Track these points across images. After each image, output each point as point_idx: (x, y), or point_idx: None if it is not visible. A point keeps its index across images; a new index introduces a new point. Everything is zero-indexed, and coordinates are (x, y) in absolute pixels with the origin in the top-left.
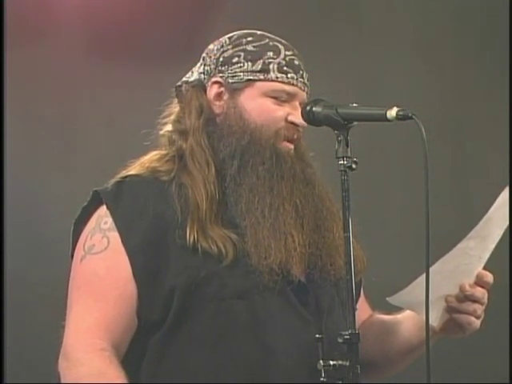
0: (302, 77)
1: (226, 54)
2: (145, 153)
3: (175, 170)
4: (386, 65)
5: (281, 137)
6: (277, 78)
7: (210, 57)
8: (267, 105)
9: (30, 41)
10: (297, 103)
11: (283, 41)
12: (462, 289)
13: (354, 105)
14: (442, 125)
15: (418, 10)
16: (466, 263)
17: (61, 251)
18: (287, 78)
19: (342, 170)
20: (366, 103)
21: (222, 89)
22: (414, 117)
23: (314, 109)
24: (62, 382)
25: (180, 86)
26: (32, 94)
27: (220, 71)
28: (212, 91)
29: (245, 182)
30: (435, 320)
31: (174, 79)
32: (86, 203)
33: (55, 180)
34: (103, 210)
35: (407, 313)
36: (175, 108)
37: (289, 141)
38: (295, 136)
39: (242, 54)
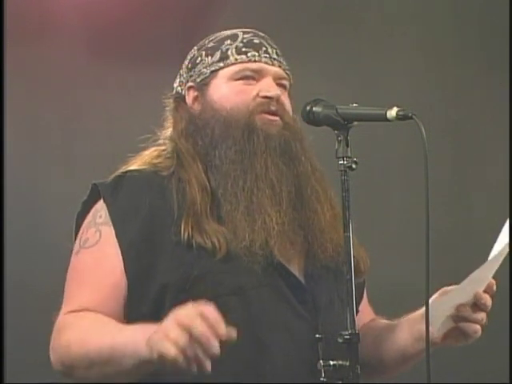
0: (267, 52)
1: (192, 59)
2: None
3: (174, 166)
4: (385, 65)
5: (254, 112)
6: (236, 60)
7: (183, 68)
8: (235, 88)
9: (30, 41)
10: (269, 79)
11: (250, 29)
12: (478, 297)
13: (354, 105)
14: (442, 125)
15: (418, 10)
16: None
17: (60, 251)
18: (247, 57)
19: (341, 170)
20: (366, 103)
21: (197, 92)
22: (414, 117)
23: (314, 109)
24: (53, 358)
25: (170, 97)
26: (32, 94)
27: (190, 76)
28: (190, 97)
29: (221, 170)
30: (438, 331)
31: (174, 79)
32: (85, 197)
33: (55, 180)
34: (100, 203)
35: (406, 320)
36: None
37: (267, 113)
38: (273, 108)
39: (204, 52)
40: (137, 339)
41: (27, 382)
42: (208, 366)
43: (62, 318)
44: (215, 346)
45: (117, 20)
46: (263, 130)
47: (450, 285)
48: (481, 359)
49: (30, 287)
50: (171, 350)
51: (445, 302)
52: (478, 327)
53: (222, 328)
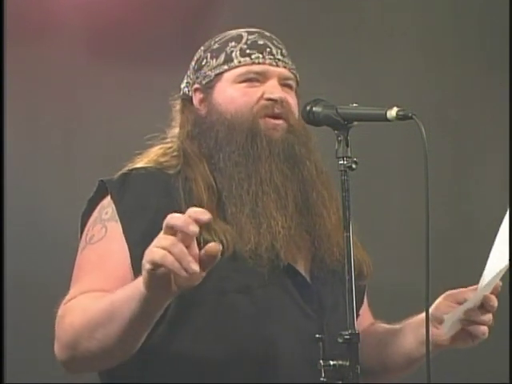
0: (272, 53)
1: (198, 61)
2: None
3: (181, 164)
4: (385, 65)
5: (258, 115)
6: (240, 62)
7: (190, 69)
8: (239, 91)
9: (30, 40)
10: (274, 81)
11: (254, 29)
12: (487, 300)
13: (354, 105)
14: (442, 125)
15: (418, 10)
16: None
17: (61, 251)
18: (251, 59)
19: (341, 170)
20: (366, 103)
21: (202, 94)
22: (414, 117)
23: (314, 109)
24: (58, 348)
25: (177, 97)
26: (32, 94)
27: (196, 77)
28: (196, 99)
29: (226, 173)
30: (447, 332)
31: (175, 79)
32: (92, 194)
33: (55, 180)
34: (107, 200)
35: (410, 324)
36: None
37: (271, 117)
38: (277, 110)
39: (209, 54)
40: (135, 282)
41: (27, 382)
42: (195, 266)
43: (63, 308)
44: (195, 229)
45: (117, 20)
46: (267, 134)
47: (450, 286)
48: (481, 359)
49: (30, 287)
50: (159, 252)
51: (456, 310)
52: (486, 328)
53: (202, 213)
